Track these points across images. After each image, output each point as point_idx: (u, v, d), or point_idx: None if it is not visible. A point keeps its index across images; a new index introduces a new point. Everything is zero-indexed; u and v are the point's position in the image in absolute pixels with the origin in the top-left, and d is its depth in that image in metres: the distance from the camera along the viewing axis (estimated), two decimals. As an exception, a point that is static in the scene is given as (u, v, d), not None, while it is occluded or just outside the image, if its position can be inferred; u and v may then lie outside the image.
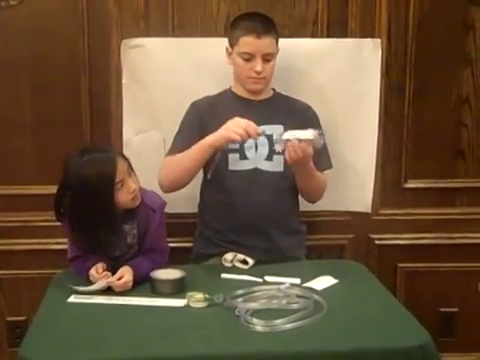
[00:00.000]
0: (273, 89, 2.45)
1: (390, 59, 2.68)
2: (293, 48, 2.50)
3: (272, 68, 2.34)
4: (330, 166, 2.44)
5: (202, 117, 2.35)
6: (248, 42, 2.28)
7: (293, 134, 2.12)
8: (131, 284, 2.07)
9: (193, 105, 2.40)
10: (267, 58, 2.30)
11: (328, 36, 2.63)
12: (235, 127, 2.15)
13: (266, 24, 2.30)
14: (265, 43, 2.29)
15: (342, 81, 2.60)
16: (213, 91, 2.45)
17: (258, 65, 2.29)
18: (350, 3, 2.63)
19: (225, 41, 2.37)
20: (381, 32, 2.64)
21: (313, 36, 2.63)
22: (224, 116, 2.28)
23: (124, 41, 2.54)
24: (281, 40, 2.37)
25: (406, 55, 2.69)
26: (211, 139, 2.20)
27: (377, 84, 2.62)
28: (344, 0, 2.63)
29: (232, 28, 2.36)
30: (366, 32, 2.63)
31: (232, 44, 2.34)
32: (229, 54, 2.36)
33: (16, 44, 2.57)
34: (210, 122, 2.31)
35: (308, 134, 2.11)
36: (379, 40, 2.61)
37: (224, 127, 2.18)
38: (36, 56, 2.59)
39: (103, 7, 2.57)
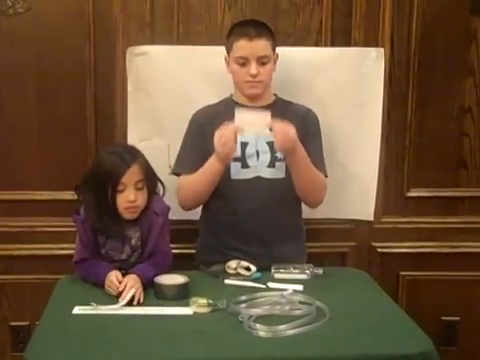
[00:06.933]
0: (275, 94, 2.44)
1: (393, 68, 2.69)
2: (296, 57, 2.52)
3: (269, 71, 2.33)
4: (325, 175, 2.39)
5: (204, 128, 2.35)
6: (241, 46, 2.29)
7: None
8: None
9: (194, 117, 2.41)
10: (263, 61, 2.30)
11: (332, 45, 2.65)
12: (221, 145, 2.17)
13: (259, 28, 2.31)
14: (258, 46, 2.28)
15: (345, 90, 2.62)
16: (217, 99, 2.46)
17: (253, 68, 2.29)
18: (354, 13, 2.65)
19: (228, 50, 2.38)
20: (384, 42, 2.66)
21: (317, 45, 2.65)
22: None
23: (129, 48, 2.55)
24: (285, 49, 2.39)
25: (409, 65, 2.70)
26: (217, 161, 2.23)
27: (380, 93, 2.64)
28: (348, 10, 2.65)
29: (228, 36, 2.37)
30: (370, 42, 2.65)
31: (228, 51, 2.35)
32: (228, 63, 2.37)
33: (22, 50, 2.59)
34: (212, 132, 2.30)
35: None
36: (382, 49, 2.63)
37: (216, 148, 2.20)
38: (42, 62, 2.61)
39: (109, 14, 2.59)
